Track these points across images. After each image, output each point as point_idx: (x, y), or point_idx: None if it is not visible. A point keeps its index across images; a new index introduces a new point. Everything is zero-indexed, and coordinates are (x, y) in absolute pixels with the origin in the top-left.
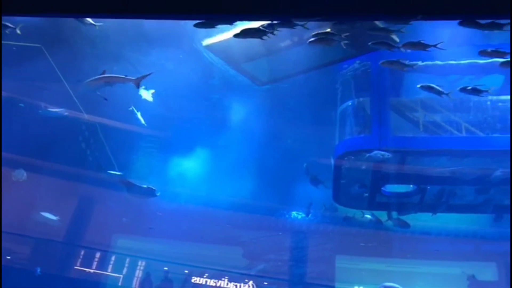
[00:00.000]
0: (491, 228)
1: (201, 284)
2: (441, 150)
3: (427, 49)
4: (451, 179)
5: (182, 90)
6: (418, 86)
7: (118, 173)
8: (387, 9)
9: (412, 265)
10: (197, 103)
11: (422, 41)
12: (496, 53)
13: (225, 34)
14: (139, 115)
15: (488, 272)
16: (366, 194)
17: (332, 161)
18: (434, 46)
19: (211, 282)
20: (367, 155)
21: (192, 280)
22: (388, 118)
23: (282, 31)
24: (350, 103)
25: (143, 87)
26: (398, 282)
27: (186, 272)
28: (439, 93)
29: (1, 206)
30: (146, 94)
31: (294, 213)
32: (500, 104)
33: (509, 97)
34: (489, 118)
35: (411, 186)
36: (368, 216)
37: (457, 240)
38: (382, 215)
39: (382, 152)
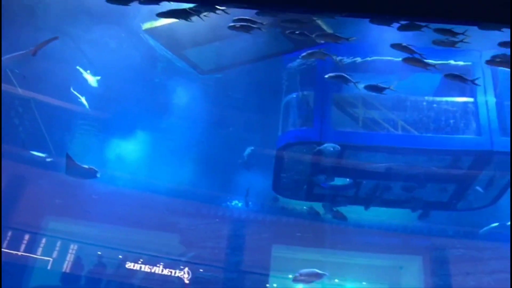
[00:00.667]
0: (418, 223)
1: (135, 269)
2: (377, 146)
3: (339, 42)
4: (385, 175)
5: (124, 71)
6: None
7: (42, 154)
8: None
9: (346, 256)
10: (139, 85)
11: (335, 34)
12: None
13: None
14: (83, 100)
15: (415, 265)
16: (305, 186)
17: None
18: (346, 39)
19: (146, 268)
20: (318, 147)
21: (126, 266)
22: (330, 113)
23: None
24: (294, 96)
25: (88, 71)
26: (332, 272)
27: (120, 258)
28: (379, 90)
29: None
30: (91, 79)
31: (234, 202)
32: (434, 105)
33: (443, 98)
34: (424, 118)
35: (348, 179)
36: (306, 208)
37: (388, 233)
38: (321, 207)
39: (333, 145)
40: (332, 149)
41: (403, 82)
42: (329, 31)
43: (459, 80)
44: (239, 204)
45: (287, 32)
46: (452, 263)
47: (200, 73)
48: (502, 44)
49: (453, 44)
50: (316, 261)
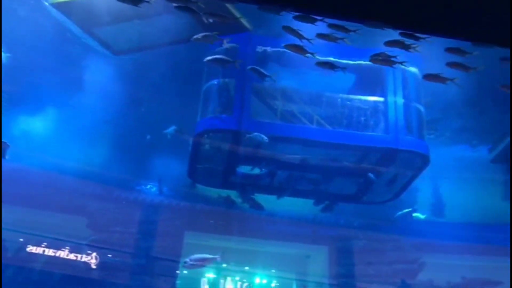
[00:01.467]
0: (327, 214)
1: (37, 253)
2: (293, 138)
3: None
4: (299, 166)
5: (34, 41)
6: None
7: None
8: None
9: (257, 244)
10: (50, 58)
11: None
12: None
13: None
14: None
15: (321, 254)
16: (221, 173)
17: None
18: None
19: (50, 252)
20: (248, 136)
21: (28, 249)
22: (249, 102)
23: None
24: (215, 82)
25: None
26: (243, 259)
27: (20, 240)
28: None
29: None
30: None
31: (148, 186)
32: (348, 102)
33: (357, 96)
34: (337, 114)
35: (263, 169)
36: (222, 196)
37: (298, 223)
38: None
39: (262, 135)
40: (260, 139)
41: (322, 78)
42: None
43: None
44: (153, 189)
45: (206, 15)
46: (355, 253)
47: (114, 53)
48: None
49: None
50: (229, 248)
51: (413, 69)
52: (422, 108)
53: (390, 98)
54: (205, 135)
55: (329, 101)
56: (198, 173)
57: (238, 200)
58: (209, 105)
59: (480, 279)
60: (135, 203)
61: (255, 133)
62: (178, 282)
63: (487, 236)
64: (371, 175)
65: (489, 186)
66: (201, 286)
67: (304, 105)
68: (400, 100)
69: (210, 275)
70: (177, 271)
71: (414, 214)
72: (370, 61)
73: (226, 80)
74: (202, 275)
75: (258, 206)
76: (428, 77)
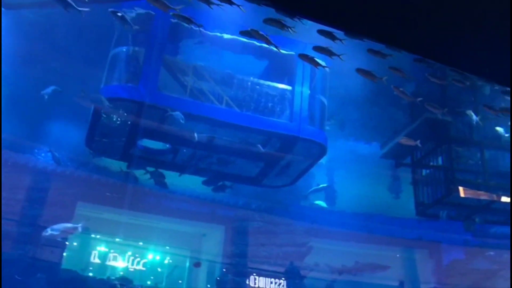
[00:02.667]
0: (226, 194)
1: None
2: (200, 116)
3: None
4: (203, 145)
5: None
6: None
7: None
8: None
9: (152, 220)
10: None
11: None
12: (260, 36)
13: None
14: None
15: (217, 233)
16: (121, 145)
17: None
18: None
19: None
20: (169, 113)
21: None
22: (158, 74)
23: None
24: (124, 49)
25: None
26: (138, 235)
27: None
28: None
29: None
30: None
31: (41, 152)
32: (257, 87)
33: (266, 82)
34: (246, 97)
35: (166, 145)
36: (124, 170)
37: (197, 201)
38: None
39: (182, 116)
40: (179, 119)
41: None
42: None
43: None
44: (47, 155)
45: None
46: (250, 234)
47: (6, 8)
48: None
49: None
50: (123, 223)
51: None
52: (325, 101)
53: (298, 88)
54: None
55: (240, 84)
56: (96, 142)
57: (144, 175)
58: (114, 72)
59: (371, 264)
60: (25, 169)
61: (177, 112)
62: (66, 254)
63: (371, 226)
64: (260, 146)
65: (377, 180)
66: (91, 259)
67: (215, 84)
68: (307, 91)
69: (101, 248)
70: (66, 243)
71: (317, 202)
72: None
73: (136, 48)
74: (92, 248)
75: (162, 184)
76: (360, 72)
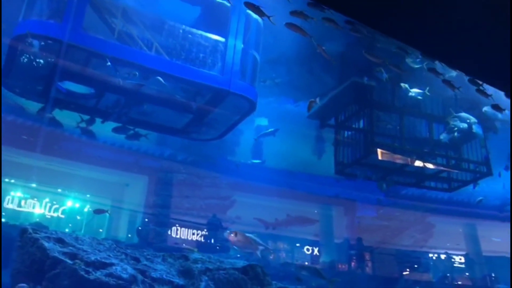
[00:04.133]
0: (152, 144)
1: None
2: (128, 61)
3: None
4: (129, 92)
5: None
6: None
7: None
8: None
9: (74, 167)
10: None
11: None
12: None
13: None
14: None
15: (140, 183)
16: (40, 87)
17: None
18: None
19: None
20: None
21: None
22: (84, 13)
23: None
24: None
25: None
26: (57, 182)
27: None
28: None
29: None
30: None
31: None
32: (190, 35)
33: (199, 32)
34: (177, 46)
35: (90, 88)
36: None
37: (121, 150)
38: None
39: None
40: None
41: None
42: None
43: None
44: None
45: None
46: (174, 186)
47: None
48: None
49: None
50: (41, 168)
51: (256, 16)
52: (258, 57)
53: (231, 41)
54: (26, 40)
55: (171, 31)
56: (13, 81)
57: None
58: (35, 6)
59: (302, 217)
60: None
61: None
62: None
63: (293, 183)
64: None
65: (303, 139)
66: (4, 204)
67: (144, 29)
68: (240, 45)
69: (16, 193)
70: None
71: (254, 161)
72: None
73: None
74: (7, 193)
75: (90, 133)
76: (291, 26)
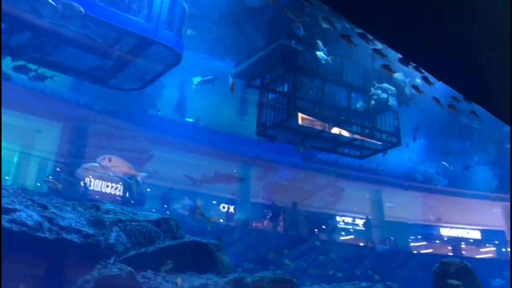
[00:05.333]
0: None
1: None
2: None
3: None
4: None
5: None
6: None
7: None
8: None
9: None
10: None
11: None
12: None
13: None
14: None
15: (53, 130)
16: None
17: None
18: None
19: None
20: None
21: None
22: None
23: None
24: None
25: None
26: None
27: None
28: None
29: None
30: None
31: None
32: None
33: None
34: None
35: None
36: None
37: (34, 94)
38: None
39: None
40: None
41: None
42: None
43: None
44: None
45: None
46: (90, 135)
47: None
48: None
49: None
50: None
51: None
52: (187, 7)
53: None
54: None
55: None
56: None
57: None
58: None
59: (228, 175)
60: None
61: None
62: None
63: (215, 141)
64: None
65: (227, 98)
66: None
67: None
68: None
69: None
70: None
71: (188, 119)
72: None
73: None
74: None
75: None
76: None
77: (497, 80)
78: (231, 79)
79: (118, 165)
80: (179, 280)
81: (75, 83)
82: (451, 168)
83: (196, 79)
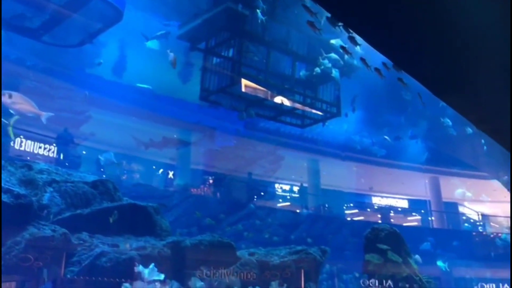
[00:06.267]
0: None
1: None
2: None
3: None
4: None
5: None
6: None
7: None
8: None
9: None
10: None
11: None
12: None
13: None
14: None
15: None
16: None
17: None
18: None
19: None
20: None
21: None
22: None
23: None
24: None
25: None
26: None
27: None
28: None
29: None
30: None
31: None
32: None
33: None
34: None
35: None
36: None
37: None
38: None
39: None
40: None
41: None
42: None
43: None
44: None
45: None
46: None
47: None
48: None
49: None
50: None
51: None
52: None
53: None
54: None
55: None
56: None
57: None
58: None
59: (174, 139)
60: None
61: None
62: None
63: (155, 104)
64: None
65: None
66: None
67: None
68: None
69: None
70: None
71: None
72: None
73: None
74: None
75: None
76: None
77: (428, 52)
78: (171, 55)
79: (19, 102)
80: (127, 246)
81: (5, 36)
82: (389, 141)
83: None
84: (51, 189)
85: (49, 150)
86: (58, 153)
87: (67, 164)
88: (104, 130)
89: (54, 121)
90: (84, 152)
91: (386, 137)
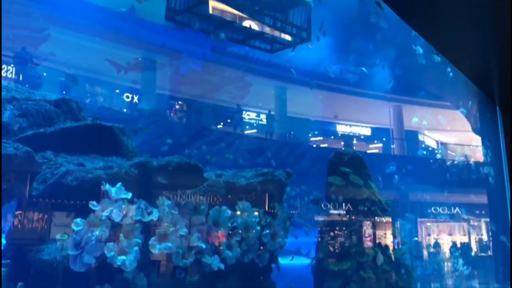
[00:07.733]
0: None
1: None
2: None
3: None
4: None
5: None
6: None
7: None
8: None
9: None
10: None
11: None
12: None
13: None
14: None
15: None
16: None
17: None
18: None
19: None
20: None
21: None
22: None
23: None
24: None
25: None
26: None
27: None
28: None
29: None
30: None
31: None
32: None
33: None
34: None
35: None
36: None
37: None
38: None
39: None
40: None
41: None
42: None
43: None
44: None
45: None
46: None
47: None
48: None
49: None
50: None
51: None
52: None
53: None
54: None
55: None
56: None
57: None
58: None
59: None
60: None
61: None
62: None
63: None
64: None
65: None
66: None
67: None
68: None
69: None
70: None
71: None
72: None
73: None
74: None
75: None
76: None
77: None
78: None
79: None
80: None
81: None
82: (363, 70)
83: None
84: (11, 107)
85: (7, 70)
86: (17, 73)
87: (26, 85)
88: (65, 50)
89: (11, 40)
90: (45, 74)
91: (363, 69)
